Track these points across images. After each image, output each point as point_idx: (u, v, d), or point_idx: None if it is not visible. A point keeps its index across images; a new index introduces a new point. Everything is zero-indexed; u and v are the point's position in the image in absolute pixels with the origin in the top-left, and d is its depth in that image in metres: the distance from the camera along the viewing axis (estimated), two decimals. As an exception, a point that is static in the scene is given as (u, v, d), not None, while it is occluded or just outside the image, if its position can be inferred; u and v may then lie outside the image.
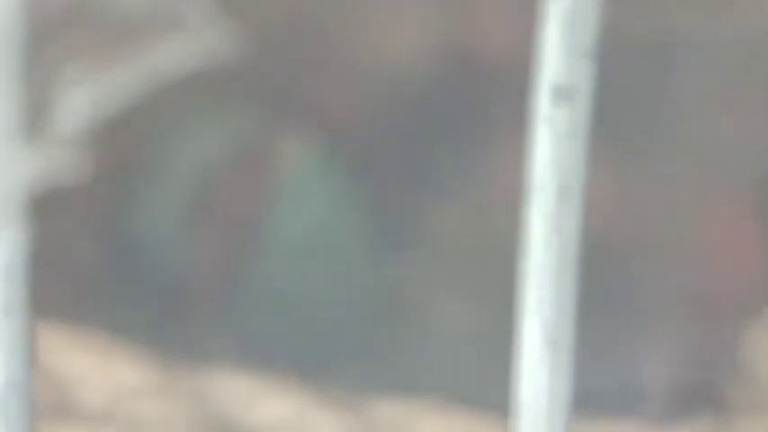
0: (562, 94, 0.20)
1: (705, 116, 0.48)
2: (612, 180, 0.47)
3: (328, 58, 0.51)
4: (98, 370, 0.34)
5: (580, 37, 0.19)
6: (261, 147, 0.48)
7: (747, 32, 0.50)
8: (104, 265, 0.47)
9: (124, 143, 0.49)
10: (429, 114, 0.49)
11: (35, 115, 0.22)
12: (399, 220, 0.47)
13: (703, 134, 0.47)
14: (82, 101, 0.22)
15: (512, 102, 0.46)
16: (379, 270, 0.46)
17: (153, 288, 0.46)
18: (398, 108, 0.50)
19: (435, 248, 0.46)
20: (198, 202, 0.48)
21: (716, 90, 0.49)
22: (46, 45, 0.21)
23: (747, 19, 0.51)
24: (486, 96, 0.47)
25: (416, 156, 0.48)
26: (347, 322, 0.44)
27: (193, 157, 0.49)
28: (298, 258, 0.47)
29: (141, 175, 0.49)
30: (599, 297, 0.44)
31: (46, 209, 0.46)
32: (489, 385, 0.28)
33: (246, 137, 0.49)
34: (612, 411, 0.33)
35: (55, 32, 0.21)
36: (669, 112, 0.47)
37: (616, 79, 0.44)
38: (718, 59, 0.50)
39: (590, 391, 0.31)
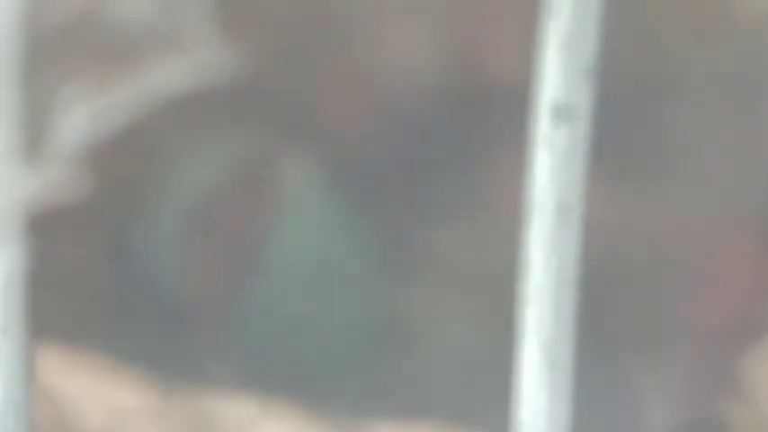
0: (561, 114, 0.20)
1: (703, 148, 0.48)
2: (613, 206, 0.47)
3: (329, 79, 0.51)
4: (97, 391, 0.34)
5: (579, 56, 0.19)
6: (261, 167, 0.49)
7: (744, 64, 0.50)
8: (105, 286, 0.47)
9: (124, 162, 0.49)
10: (432, 135, 0.49)
11: (34, 133, 0.22)
12: (399, 240, 0.47)
13: (701, 165, 0.47)
14: (81, 119, 0.22)
15: (517, 122, 0.46)
16: (378, 291, 0.46)
17: (153, 310, 0.46)
18: (400, 129, 0.50)
19: (434, 268, 0.46)
20: (199, 224, 0.49)
21: (714, 122, 0.49)
22: (45, 63, 0.21)
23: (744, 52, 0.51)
24: (492, 117, 0.47)
25: (417, 176, 0.48)
26: (346, 344, 0.44)
27: (193, 178, 0.49)
28: (297, 279, 0.47)
29: (142, 195, 0.49)
30: (598, 321, 0.44)
31: (45, 228, 0.46)
32: (489, 406, 0.28)
33: (247, 157, 0.49)
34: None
35: (54, 51, 0.21)
36: (669, 143, 0.48)
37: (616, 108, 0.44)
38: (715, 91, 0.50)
39: (591, 416, 0.31)
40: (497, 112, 0.48)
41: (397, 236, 0.48)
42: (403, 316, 0.46)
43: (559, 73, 0.20)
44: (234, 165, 0.49)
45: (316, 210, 0.48)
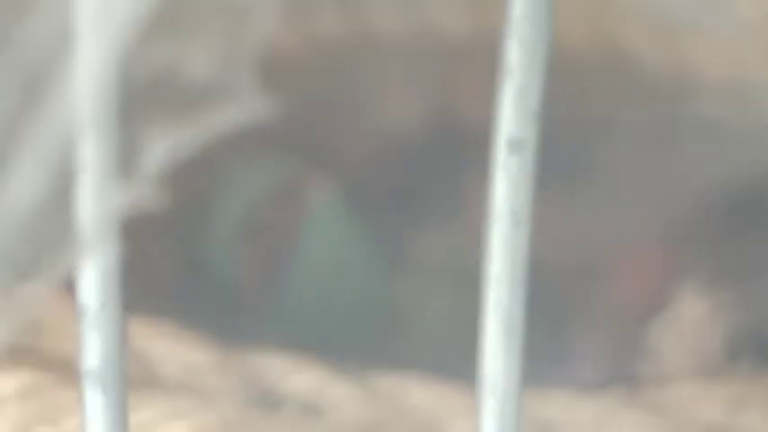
0: (514, 147, 0.20)
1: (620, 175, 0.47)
2: (554, 216, 0.47)
3: (346, 125, 0.51)
4: (172, 351, 0.34)
5: (528, 103, 0.19)
6: (294, 188, 0.48)
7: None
8: (178, 273, 0.47)
9: (193, 182, 0.49)
10: (423, 165, 0.49)
11: (127, 160, 0.22)
12: (393, 242, 0.47)
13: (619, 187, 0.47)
14: (160, 151, 0.21)
15: (484, 153, 0.46)
16: (378, 278, 0.46)
17: (214, 291, 0.46)
18: (399, 161, 0.50)
19: (422, 262, 0.46)
20: (248, 228, 0.48)
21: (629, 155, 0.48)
22: (135, 108, 0.21)
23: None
24: (466, 150, 0.47)
25: (411, 196, 0.48)
26: (357, 317, 0.44)
27: (244, 195, 0.49)
28: (320, 270, 0.46)
29: (206, 206, 0.49)
30: (542, 300, 0.44)
31: (134, 230, 0.46)
32: (462, 364, 0.28)
33: (284, 180, 0.49)
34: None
35: (141, 98, 0.21)
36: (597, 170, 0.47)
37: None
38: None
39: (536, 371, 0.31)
40: (470, 147, 0.48)
41: (391, 239, 0.48)
42: (400, 296, 0.46)
43: (513, 116, 0.20)
44: (273, 186, 0.49)
45: (332, 221, 0.48)
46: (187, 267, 0.47)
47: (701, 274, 0.37)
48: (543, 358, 0.39)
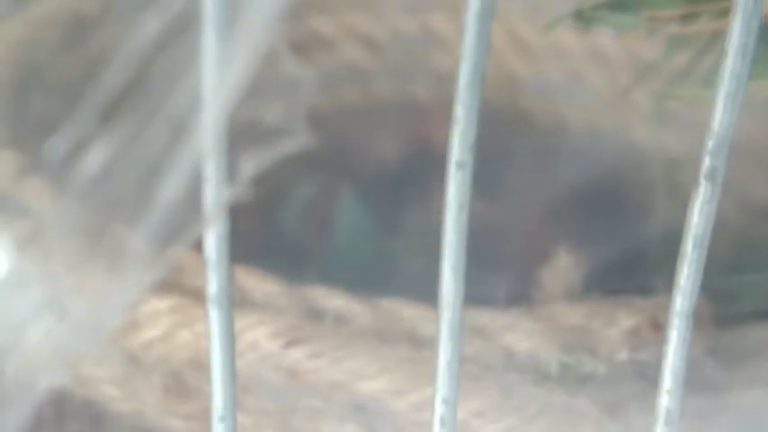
0: (460, 166, 0.19)
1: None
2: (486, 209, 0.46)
3: (370, 141, 0.50)
4: (259, 285, 0.33)
5: (467, 139, 0.19)
6: (330, 190, 0.48)
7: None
8: (259, 244, 0.46)
9: (266, 185, 0.49)
10: (407, 177, 0.49)
11: (229, 171, 0.21)
12: (391, 224, 0.46)
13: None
14: (249, 166, 0.21)
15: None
16: (382, 246, 0.45)
17: (286, 250, 0.45)
18: (393, 174, 0.49)
19: (415, 241, 0.45)
20: (303, 214, 0.48)
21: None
22: (235, 141, 0.20)
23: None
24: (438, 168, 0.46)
25: (400, 196, 0.47)
26: (369, 267, 0.44)
27: (299, 194, 0.48)
28: (347, 240, 0.46)
29: (276, 201, 0.48)
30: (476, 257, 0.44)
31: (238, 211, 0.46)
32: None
33: (325, 184, 0.48)
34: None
35: (238, 136, 0.20)
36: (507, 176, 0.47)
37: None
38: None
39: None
40: (437, 164, 0.47)
41: (388, 219, 0.47)
42: (393, 253, 0.45)
43: (458, 147, 0.19)
44: (320, 186, 0.48)
45: (353, 209, 0.47)
46: (270, 235, 0.47)
47: (569, 240, 0.37)
48: (477, 287, 0.38)
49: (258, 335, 0.31)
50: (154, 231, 0.19)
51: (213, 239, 0.19)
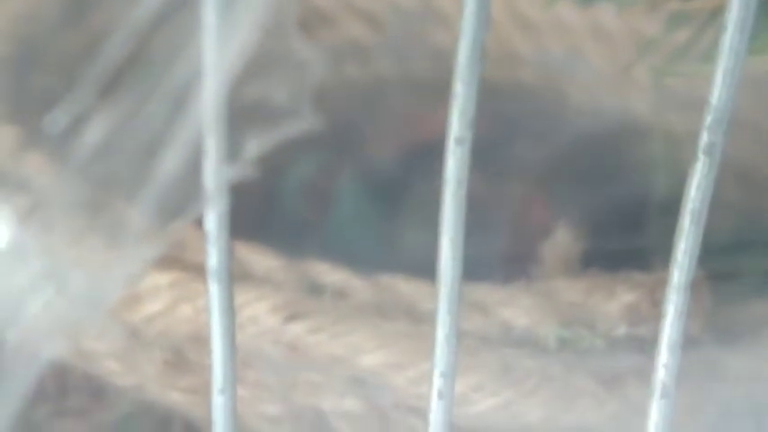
0: (458, 142, 0.19)
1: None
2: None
3: (370, 129, 0.50)
4: (259, 259, 0.32)
5: (466, 115, 0.19)
6: (330, 170, 0.48)
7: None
8: (260, 217, 0.46)
9: (269, 165, 0.49)
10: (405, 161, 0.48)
11: (233, 150, 0.21)
12: (388, 204, 0.46)
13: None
14: (254, 146, 0.21)
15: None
16: (386, 234, 0.45)
17: (284, 227, 0.45)
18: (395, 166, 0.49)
19: (412, 222, 0.45)
20: (302, 193, 0.48)
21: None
22: (238, 120, 0.20)
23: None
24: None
25: (409, 186, 0.47)
26: (366, 243, 0.44)
27: (299, 173, 0.48)
28: (346, 217, 0.46)
29: (275, 180, 0.48)
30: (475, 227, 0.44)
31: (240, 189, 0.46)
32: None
33: (327, 161, 0.48)
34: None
35: (242, 115, 0.20)
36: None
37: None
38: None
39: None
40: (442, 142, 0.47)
41: (385, 199, 0.47)
42: (389, 230, 0.45)
43: (457, 122, 0.19)
44: (322, 164, 0.48)
45: (353, 193, 0.47)
46: (271, 210, 0.47)
47: (570, 215, 0.37)
48: (478, 263, 0.38)
49: (258, 309, 0.31)
50: (153, 206, 0.19)
51: (213, 214, 0.19)
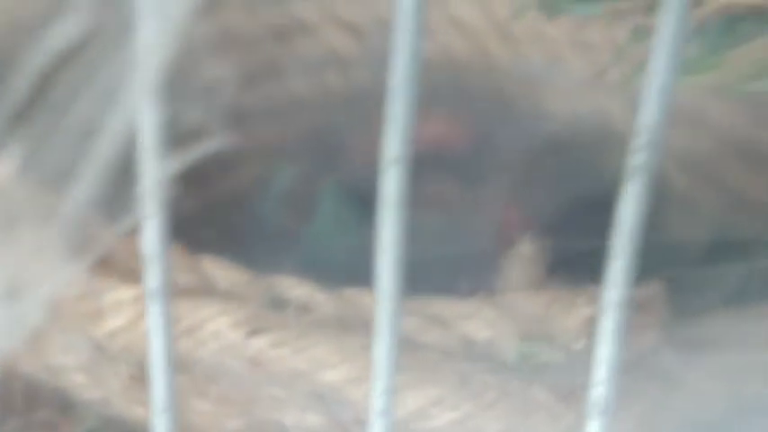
0: (396, 162, 0.19)
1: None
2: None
3: (353, 137, 0.50)
4: (225, 274, 0.32)
5: (404, 132, 0.19)
6: (311, 177, 0.48)
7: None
8: (244, 225, 0.46)
9: (253, 172, 0.49)
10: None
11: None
12: (367, 210, 0.46)
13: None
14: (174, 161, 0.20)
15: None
16: (365, 238, 0.45)
17: (261, 235, 0.45)
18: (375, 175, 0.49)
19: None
20: (283, 201, 0.48)
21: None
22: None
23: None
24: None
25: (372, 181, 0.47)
26: (348, 258, 0.44)
27: (279, 182, 0.48)
28: (327, 231, 0.46)
29: (256, 189, 0.48)
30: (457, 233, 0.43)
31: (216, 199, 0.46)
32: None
33: (304, 173, 0.48)
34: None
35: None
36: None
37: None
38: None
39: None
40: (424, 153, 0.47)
41: (364, 204, 0.46)
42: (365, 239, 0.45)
43: (394, 141, 0.19)
44: (298, 177, 0.48)
45: (333, 195, 0.47)
46: (250, 222, 0.47)
47: (541, 226, 0.37)
48: (443, 274, 0.38)
49: (221, 324, 0.31)
50: (76, 220, 0.19)
51: (152, 235, 0.19)
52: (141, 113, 0.18)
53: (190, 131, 0.18)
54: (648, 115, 0.19)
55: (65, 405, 0.33)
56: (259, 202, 0.47)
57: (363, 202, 0.47)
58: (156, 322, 0.20)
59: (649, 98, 0.20)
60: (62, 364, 0.32)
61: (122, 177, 0.19)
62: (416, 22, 0.19)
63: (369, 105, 0.52)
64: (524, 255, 0.33)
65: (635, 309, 0.31)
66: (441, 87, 0.50)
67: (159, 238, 0.19)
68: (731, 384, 0.31)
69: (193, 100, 0.19)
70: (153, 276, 0.20)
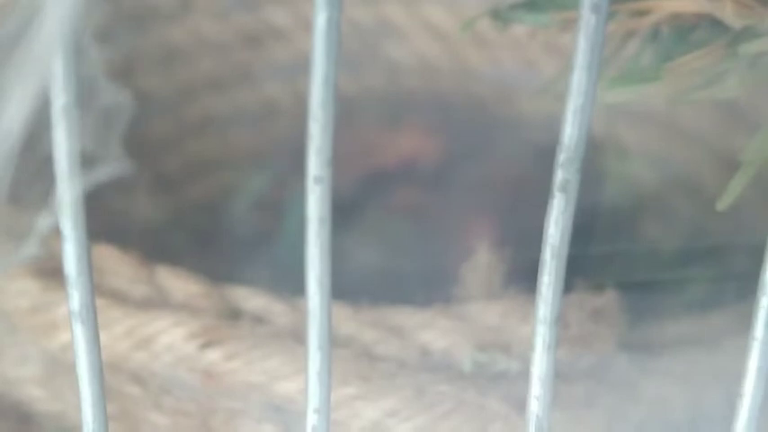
0: (318, 182, 0.19)
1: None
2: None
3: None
4: (181, 285, 0.32)
5: (324, 152, 0.18)
6: (282, 183, 0.48)
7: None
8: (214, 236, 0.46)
9: (223, 180, 0.49)
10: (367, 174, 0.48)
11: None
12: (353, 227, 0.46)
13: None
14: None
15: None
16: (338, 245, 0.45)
17: (237, 247, 0.45)
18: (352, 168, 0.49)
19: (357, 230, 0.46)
20: (255, 203, 0.48)
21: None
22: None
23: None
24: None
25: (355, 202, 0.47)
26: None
27: (252, 186, 0.48)
28: (293, 235, 0.46)
29: (230, 194, 0.48)
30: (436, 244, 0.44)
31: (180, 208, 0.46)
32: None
33: (276, 179, 0.48)
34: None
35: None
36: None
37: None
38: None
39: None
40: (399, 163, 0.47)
41: (354, 219, 0.46)
42: (352, 254, 0.45)
43: (315, 161, 0.19)
44: (271, 182, 0.48)
45: (300, 203, 0.47)
46: (223, 227, 0.47)
47: (491, 238, 0.37)
48: (403, 283, 0.38)
49: (175, 336, 0.31)
50: None
51: (73, 256, 0.19)
52: (56, 136, 0.18)
53: (85, 157, 0.18)
54: (567, 134, 0.20)
55: (23, 417, 0.33)
56: (231, 207, 0.47)
57: (334, 208, 0.48)
58: (82, 344, 0.20)
59: (568, 117, 0.20)
60: (18, 376, 0.32)
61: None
62: (329, 46, 0.19)
63: (343, 109, 0.52)
64: (482, 264, 0.33)
65: (591, 317, 0.32)
66: (415, 94, 0.50)
67: (78, 259, 0.19)
68: (689, 390, 0.31)
69: (89, 126, 0.19)
70: (75, 298, 0.20)
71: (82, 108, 0.17)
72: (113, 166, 0.18)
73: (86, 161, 0.18)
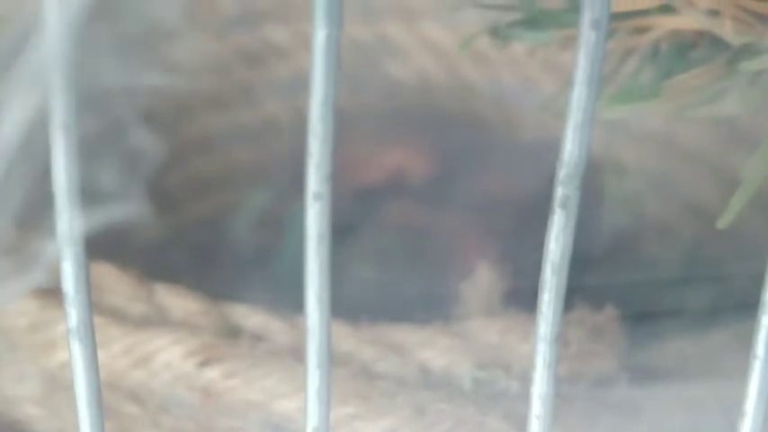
0: (317, 198, 0.19)
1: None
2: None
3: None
4: (180, 303, 0.32)
5: (323, 169, 0.18)
6: (282, 200, 0.48)
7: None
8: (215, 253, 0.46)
9: (225, 199, 0.49)
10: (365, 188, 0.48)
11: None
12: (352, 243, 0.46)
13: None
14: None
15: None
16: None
17: (238, 264, 0.45)
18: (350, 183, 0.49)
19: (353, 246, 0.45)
20: (257, 219, 0.48)
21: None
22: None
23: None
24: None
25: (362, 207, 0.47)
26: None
27: (254, 202, 0.48)
28: (297, 256, 0.46)
29: (233, 212, 0.48)
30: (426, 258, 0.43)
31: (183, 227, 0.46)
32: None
33: (277, 196, 0.48)
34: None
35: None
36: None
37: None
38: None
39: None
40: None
41: (353, 235, 0.46)
42: (352, 270, 0.45)
43: (314, 178, 0.19)
44: (272, 198, 0.48)
45: (299, 220, 0.47)
46: (224, 244, 0.47)
47: (491, 257, 0.37)
48: (403, 299, 0.38)
49: (174, 354, 0.31)
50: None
51: (71, 274, 0.19)
52: (54, 153, 0.18)
53: (103, 194, 0.18)
54: (568, 150, 0.19)
55: (21, 436, 0.33)
56: (232, 224, 0.47)
57: (334, 224, 0.48)
58: (79, 362, 0.20)
59: (568, 134, 0.20)
60: (16, 395, 0.32)
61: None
62: (329, 63, 0.19)
63: (342, 125, 0.52)
64: (482, 282, 0.33)
65: (591, 335, 0.31)
66: (414, 110, 0.50)
67: (76, 277, 0.19)
68: (690, 411, 0.31)
69: (112, 164, 0.19)
70: (73, 316, 0.20)
71: (108, 146, 0.17)
72: (132, 208, 0.18)
73: (106, 199, 0.17)
